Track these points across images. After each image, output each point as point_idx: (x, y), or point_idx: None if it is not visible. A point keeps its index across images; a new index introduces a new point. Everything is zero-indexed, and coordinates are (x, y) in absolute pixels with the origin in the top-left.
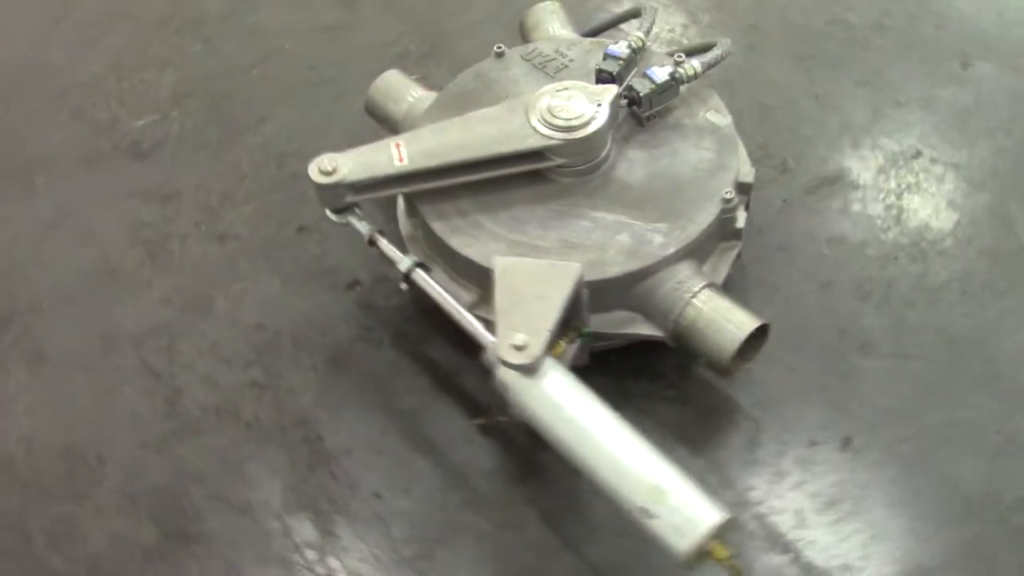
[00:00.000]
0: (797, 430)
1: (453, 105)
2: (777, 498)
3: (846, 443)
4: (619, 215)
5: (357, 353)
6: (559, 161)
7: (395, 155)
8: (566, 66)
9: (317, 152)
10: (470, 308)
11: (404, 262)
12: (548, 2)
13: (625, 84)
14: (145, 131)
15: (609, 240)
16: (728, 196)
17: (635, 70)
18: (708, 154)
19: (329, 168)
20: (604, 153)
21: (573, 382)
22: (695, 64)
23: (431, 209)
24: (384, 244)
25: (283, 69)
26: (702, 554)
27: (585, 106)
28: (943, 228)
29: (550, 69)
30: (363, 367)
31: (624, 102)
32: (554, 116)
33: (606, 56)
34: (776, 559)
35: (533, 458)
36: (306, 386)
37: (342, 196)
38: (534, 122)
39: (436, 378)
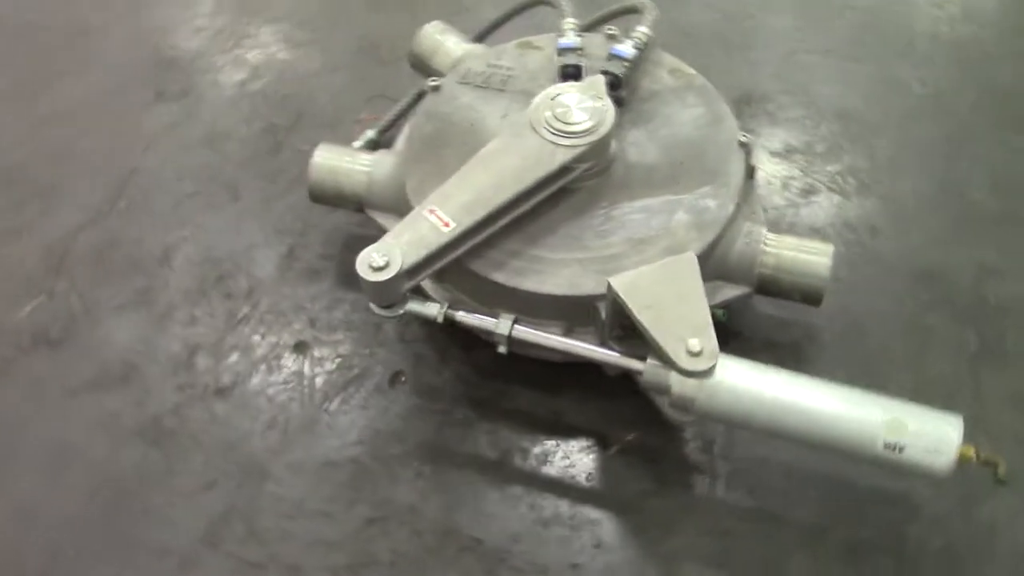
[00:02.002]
0: None
1: (425, 153)
2: None
3: None
4: (662, 196)
5: (450, 439)
6: (586, 166)
7: (438, 222)
8: (509, 76)
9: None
10: None
11: (502, 323)
12: (433, 24)
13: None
14: None
15: (670, 223)
16: (744, 139)
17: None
18: (698, 109)
19: (381, 262)
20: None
21: (748, 363)
22: (643, 30)
23: (483, 263)
24: (464, 315)
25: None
26: (960, 462)
27: (587, 104)
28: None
29: (495, 84)
30: (465, 450)
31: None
32: (567, 123)
33: (611, 57)
34: None
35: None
36: (424, 496)
37: (400, 286)
38: (550, 137)
39: (540, 427)
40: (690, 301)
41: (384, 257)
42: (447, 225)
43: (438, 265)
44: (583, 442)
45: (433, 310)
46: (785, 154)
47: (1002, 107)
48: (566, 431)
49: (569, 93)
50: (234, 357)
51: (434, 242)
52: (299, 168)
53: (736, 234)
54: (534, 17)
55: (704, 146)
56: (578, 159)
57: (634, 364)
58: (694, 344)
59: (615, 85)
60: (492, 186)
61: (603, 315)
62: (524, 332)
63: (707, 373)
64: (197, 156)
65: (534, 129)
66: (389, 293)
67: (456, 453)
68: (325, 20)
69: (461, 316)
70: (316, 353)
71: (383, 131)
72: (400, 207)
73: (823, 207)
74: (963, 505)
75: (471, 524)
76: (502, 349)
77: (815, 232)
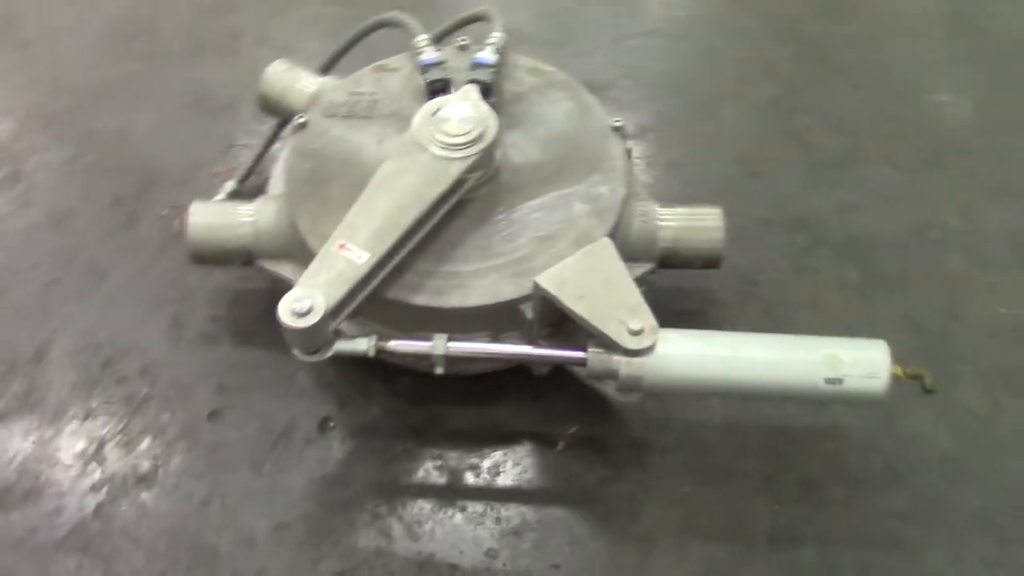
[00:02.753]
0: None
1: (310, 191)
2: None
3: None
4: (554, 192)
5: (398, 473)
6: (478, 175)
7: (351, 255)
8: (374, 101)
9: None
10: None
11: (437, 343)
12: (277, 63)
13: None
14: None
15: (570, 215)
16: (617, 123)
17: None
18: (566, 103)
19: (305, 307)
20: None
21: (685, 332)
22: (498, 35)
23: (401, 289)
24: (396, 343)
25: None
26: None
27: (468, 115)
28: None
29: (361, 111)
30: (416, 480)
31: None
32: (454, 136)
33: (475, 66)
34: None
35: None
36: (388, 535)
37: (326, 328)
38: (440, 152)
39: (483, 441)
40: (618, 284)
41: (306, 301)
42: (360, 258)
43: (359, 299)
44: (529, 446)
45: (363, 345)
46: (641, 133)
47: (819, 60)
48: (510, 439)
49: (447, 106)
50: (146, 442)
51: (352, 276)
52: (162, 234)
53: (632, 215)
54: (373, 42)
55: (581, 137)
56: (471, 169)
57: (576, 355)
58: (634, 324)
59: (486, 92)
60: (396, 210)
61: (528, 316)
62: (462, 347)
63: (651, 349)
64: (47, 243)
65: (422, 147)
66: (316, 337)
67: (408, 485)
68: (143, 78)
69: (393, 345)
70: (234, 418)
71: (243, 180)
72: (293, 251)
73: (687, 177)
74: (886, 425)
75: (444, 552)
76: (439, 370)
77: (689, 201)
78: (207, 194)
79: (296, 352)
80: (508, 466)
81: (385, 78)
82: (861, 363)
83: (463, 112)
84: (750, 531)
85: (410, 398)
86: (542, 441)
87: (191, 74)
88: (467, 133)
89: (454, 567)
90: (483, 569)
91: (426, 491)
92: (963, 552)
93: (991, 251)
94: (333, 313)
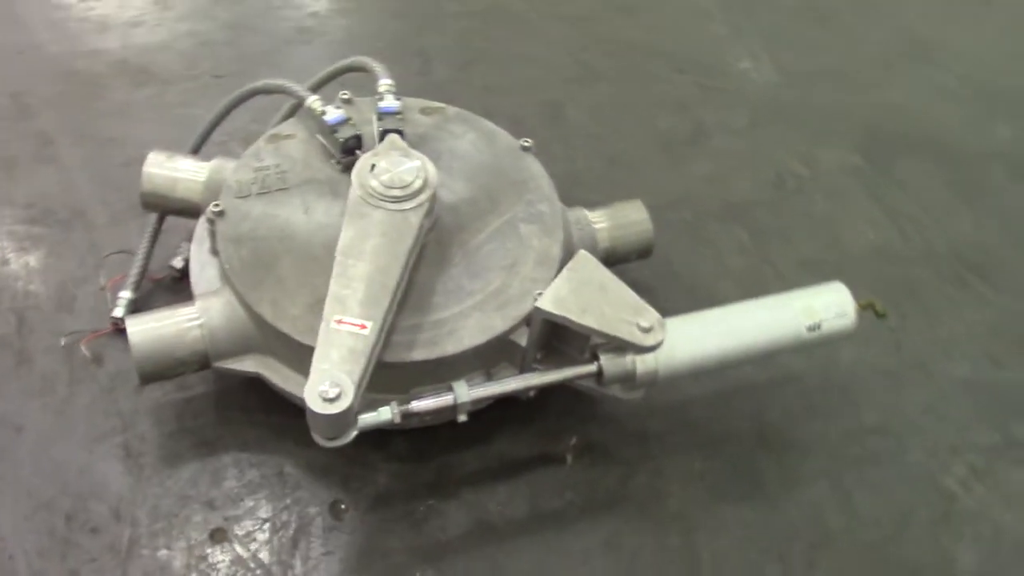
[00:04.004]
0: None
1: (258, 276)
2: None
3: None
4: (496, 220)
5: (433, 531)
6: (430, 221)
7: (353, 328)
8: (282, 172)
9: None
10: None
11: (459, 391)
12: (154, 157)
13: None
14: None
15: (522, 239)
16: (526, 144)
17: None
18: (470, 135)
19: (334, 392)
20: None
21: (677, 318)
22: (388, 82)
23: (396, 351)
24: (421, 404)
25: None
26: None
27: (405, 165)
28: None
29: (274, 184)
30: (454, 534)
31: None
32: (402, 187)
33: (383, 115)
34: None
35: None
36: None
37: (354, 409)
38: (394, 206)
39: (499, 478)
40: (612, 289)
41: (335, 387)
42: (363, 327)
43: (370, 370)
44: (541, 468)
45: (387, 414)
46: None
47: (630, 49)
48: (522, 467)
49: (380, 161)
50: None
51: (364, 348)
52: (69, 365)
53: (568, 225)
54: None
55: (498, 164)
56: (426, 215)
57: (589, 369)
58: (644, 322)
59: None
60: (378, 272)
61: (523, 344)
62: (484, 391)
63: (661, 341)
64: None
65: (373, 206)
66: (346, 419)
67: (446, 540)
68: None
69: (417, 406)
70: (240, 531)
71: (138, 286)
72: (254, 344)
73: (559, 178)
74: (828, 361)
75: None
76: (463, 418)
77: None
78: (97, 312)
79: (320, 439)
80: (530, 493)
81: (283, 146)
82: (831, 306)
83: (400, 163)
84: (763, 484)
85: (411, 457)
86: (550, 460)
87: (16, 191)
88: (413, 181)
89: None
90: None
91: (469, 540)
92: (932, 441)
93: (840, 186)
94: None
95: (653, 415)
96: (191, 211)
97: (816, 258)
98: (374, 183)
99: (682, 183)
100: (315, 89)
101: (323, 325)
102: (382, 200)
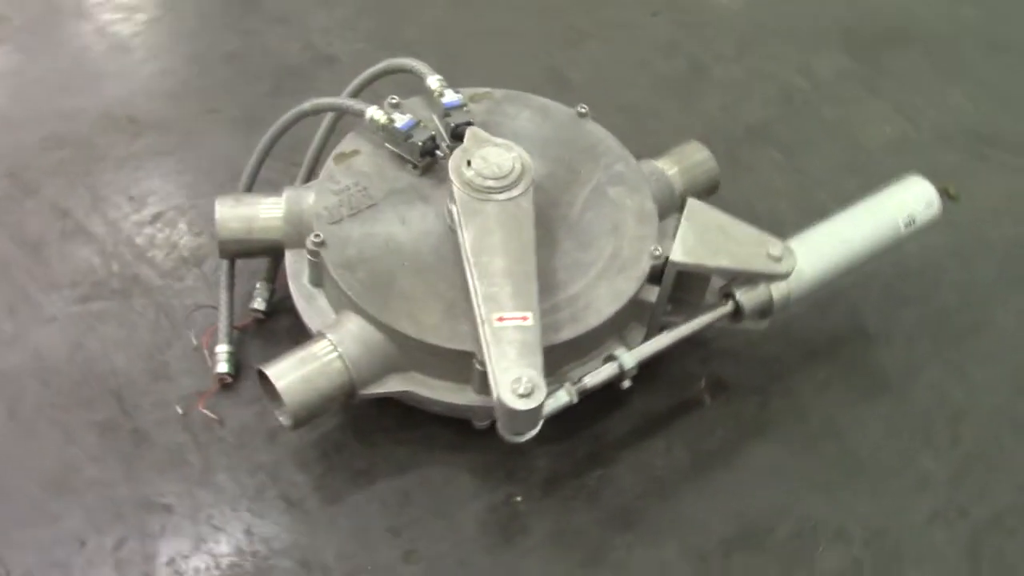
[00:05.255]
0: None
1: (384, 296)
2: None
3: None
4: (582, 190)
5: (613, 495)
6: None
7: (517, 322)
8: (363, 188)
9: None
10: None
11: (624, 357)
12: (222, 204)
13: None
14: None
15: (617, 202)
16: (582, 110)
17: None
18: (525, 112)
19: (528, 388)
20: None
21: (793, 239)
22: (437, 77)
23: (544, 331)
24: (592, 376)
25: None
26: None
27: (497, 153)
28: None
29: (362, 203)
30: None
31: None
32: (505, 175)
33: (449, 111)
34: None
35: None
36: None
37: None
38: (503, 196)
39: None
40: (730, 228)
41: (528, 383)
42: (526, 319)
43: None
44: (686, 416)
45: (564, 397)
46: None
47: (611, 5)
48: (666, 419)
49: (473, 155)
50: None
51: (535, 339)
52: (191, 433)
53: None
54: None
55: (562, 135)
56: (532, 196)
57: (726, 310)
58: (774, 251)
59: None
60: (515, 263)
61: (653, 301)
62: (651, 347)
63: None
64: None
65: (483, 200)
66: (539, 413)
67: (630, 503)
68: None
69: (590, 381)
70: (430, 547)
71: (230, 337)
72: (392, 364)
73: None
74: (896, 254)
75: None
76: (627, 384)
77: None
78: (195, 372)
79: (509, 437)
80: (684, 440)
81: (353, 164)
82: (919, 199)
83: (492, 153)
84: (884, 376)
85: (561, 436)
86: (690, 406)
87: (55, 273)
88: (512, 168)
89: None
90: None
91: (645, 499)
92: (1017, 304)
93: (841, 90)
94: None
95: (764, 342)
96: (273, 250)
97: (847, 160)
98: (476, 178)
99: (700, 118)
100: (356, 93)
101: (485, 328)
102: (490, 192)
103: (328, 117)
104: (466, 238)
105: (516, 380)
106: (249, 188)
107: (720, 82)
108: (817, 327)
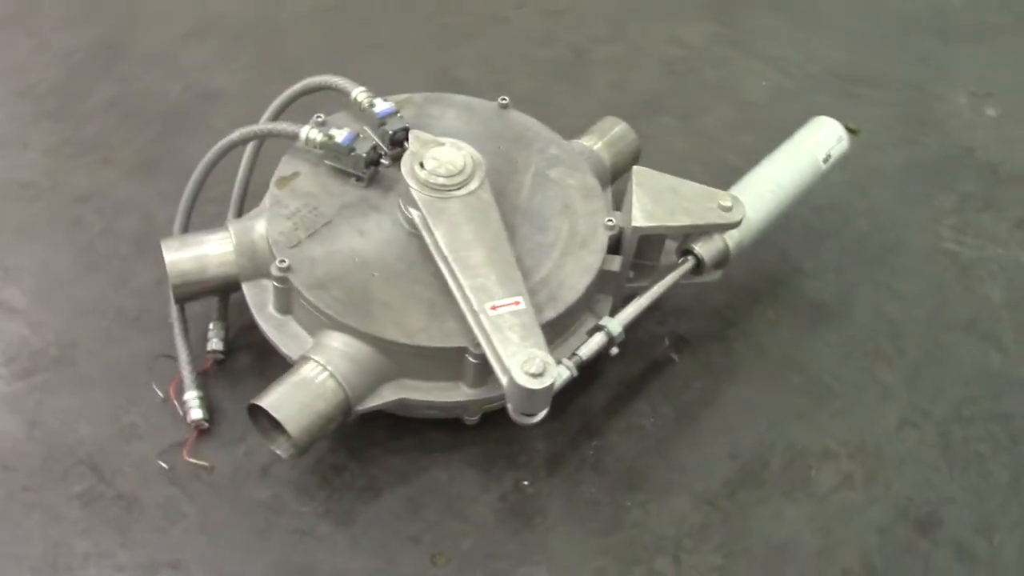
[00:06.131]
0: None
1: (363, 307)
2: None
3: None
4: (525, 174)
5: (613, 461)
6: None
7: (511, 307)
8: (314, 208)
9: None
10: None
11: (611, 324)
12: (168, 246)
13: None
14: None
15: (560, 182)
16: (503, 101)
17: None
18: (451, 111)
19: (538, 367)
20: None
21: (732, 189)
22: (362, 88)
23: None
24: (588, 349)
25: None
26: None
27: (443, 151)
28: None
29: (317, 222)
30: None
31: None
32: (459, 171)
33: (384, 120)
34: None
35: None
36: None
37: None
38: (462, 191)
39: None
40: (681, 187)
41: (539, 363)
42: (518, 303)
43: None
44: (660, 374)
45: (567, 371)
46: None
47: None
48: (643, 382)
49: (427, 156)
50: None
51: (531, 319)
52: (180, 486)
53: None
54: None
55: (491, 128)
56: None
57: (688, 265)
58: (724, 202)
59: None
60: (491, 252)
61: (618, 269)
62: (629, 313)
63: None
64: None
65: (444, 198)
66: (551, 392)
67: (631, 466)
68: None
69: (585, 352)
70: (459, 544)
71: (196, 382)
72: (383, 374)
73: None
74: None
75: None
76: (615, 351)
77: None
78: (165, 425)
79: (521, 419)
80: (665, 398)
81: (296, 186)
82: (830, 136)
83: (441, 152)
84: (826, 305)
85: (550, 416)
86: (662, 365)
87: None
88: (464, 163)
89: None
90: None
91: (643, 459)
92: (875, 279)
93: (717, 54)
94: None
95: (711, 295)
96: (226, 287)
97: (737, 116)
98: (433, 179)
99: (593, 98)
100: (279, 113)
101: (481, 318)
102: (449, 190)
103: (250, 147)
104: (438, 237)
105: (527, 361)
106: (184, 230)
107: (603, 62)
108: (755, 272)
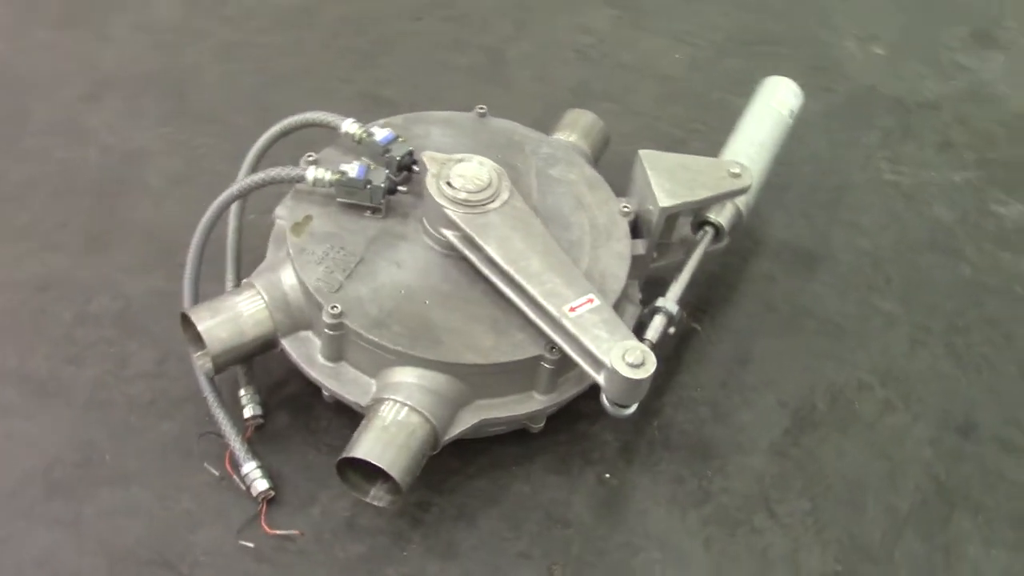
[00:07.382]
0: None
1: (426, 336)
2: None
3: None
4: (528, 176)
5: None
6: None
7: (585, 304)
8: (342, 247)
9: None
10: None
11: (668, 304)
12: (199, 317)
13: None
14: None
15: (560, 175)
16: (481, 111)
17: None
18: (435, 128)
19: (638, 358)
20: None
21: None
22: (351, 120)
23: None
24: (655, 331)
25: None
26: None
27: (465, 166)
28: None
29: (348, 262)
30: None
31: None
32: (486, 184)
33: (386, 149)
34: None
35: None
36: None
37: None
38: (496, 203)
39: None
40: (690, 162)
41: (638, 353)
42: (592, 300)
43: None
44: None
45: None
46: None
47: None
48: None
49: (450, 176)
50: None
51: (611, 314)
52: (270, 563)
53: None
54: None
55: (479, 138)
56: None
57: (710, 234)
58: (732, 169)
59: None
60: (547, 255)
61: (644, 252)
62: (676, 290)
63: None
64: None
65: (482, 213)
66: (648, 381)
67: (676, 476)
68: None
69: (654, 335)
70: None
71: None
72: (460, 399)
73: None
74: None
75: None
76: (672, 329)
77: None
78: (228, 506)
79: (616, 412)
80: (699, 386)
81: (314, 230)
82: (788, 93)
83: (461, 168)
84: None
85: (567, 469)
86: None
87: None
88: (489, 176)
89: None
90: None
91: (689, 461)
92: (840, 219)
93: (626, 37)
94: None
95: (702, 264)
96: (267, 346)
97: (665, 91)
98: (463, 195)
99: (523, 96)
100: (264, 152)
101: (564, 322)
102: (485, 204)
103: (235, 207)
104: (491, 252)
105: (628, 352)
106: (195, 300)
107: (521, 60)
108: (735, 232)
